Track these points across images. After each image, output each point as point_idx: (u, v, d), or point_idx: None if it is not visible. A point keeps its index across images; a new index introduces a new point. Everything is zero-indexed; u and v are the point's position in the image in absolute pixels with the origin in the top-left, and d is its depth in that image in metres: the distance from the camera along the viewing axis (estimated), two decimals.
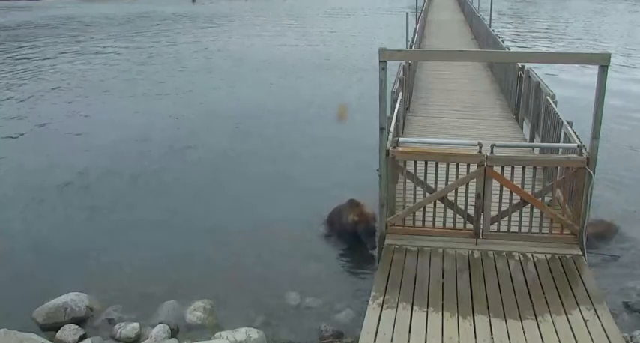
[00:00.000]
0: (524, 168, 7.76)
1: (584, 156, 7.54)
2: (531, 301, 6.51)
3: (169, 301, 7.73)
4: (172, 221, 10.42)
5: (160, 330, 7.06)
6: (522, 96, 12.90)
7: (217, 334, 6.92)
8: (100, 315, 7.60)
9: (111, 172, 13.02)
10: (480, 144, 7.69)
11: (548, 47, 31.69)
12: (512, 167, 7.68)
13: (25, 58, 28.75)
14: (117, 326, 7.25)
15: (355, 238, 9.00)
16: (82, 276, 8.51)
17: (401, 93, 11.43)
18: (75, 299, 7.65)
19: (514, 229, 7.86)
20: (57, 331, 7.17)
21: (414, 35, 21.73)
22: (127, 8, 54.46)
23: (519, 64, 13.19)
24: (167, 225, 10.26)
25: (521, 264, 7.34)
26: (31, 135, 16.15)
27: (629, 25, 43.36)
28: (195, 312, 7.52)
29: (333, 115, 16.86)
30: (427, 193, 7.95)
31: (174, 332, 7.17)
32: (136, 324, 7.23)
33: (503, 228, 7.88)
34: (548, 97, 10.37)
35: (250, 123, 16.59)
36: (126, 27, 42.20)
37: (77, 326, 7.24)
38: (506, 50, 15.86)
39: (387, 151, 7.80)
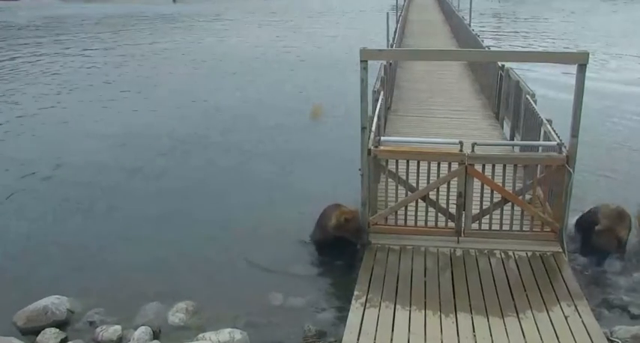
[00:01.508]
0: (504, 166, 7.83)
1: (564, 154, 7.62)
2: (513, 298, 6.57)
3: (151, 303, 7.66)
4: (153, 222, 10.34)
5: (142, 333, 7.00)
6: (502, 95, 12.99)
7: (200, 335, 6.88)
8: (81, 318, 7.51)
9: (92, 171, 12.91)
10: (461, 143, 7.74)
11: (528, 46, 31.92)
12: (493, 165, 7.74)
13: (2, 59, 28.44)
14: (98, 329, 7.17)
15: (339, 241, 8.84)
16: (63, 279, 8.41)
17: (382, 93, 11.47)
18: (56, 302, 7.55)
19: (495, 227, 7.93)
20: (37, 335, 7.07)
21: (395, 35, 21.79)
22: (107, 9, 54.06)
23: (499, 63, 13.29)
24: (148, 226, 10.18)
25: (503, 262, 7.40)
26: (12, 134, 16.05)
27: (610, 25, 43.80)
28: (177, 314, 7.47)
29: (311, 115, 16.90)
30: (409, 192, 7.99)
31: (156, 335, 7.10)
32: (118, 327, 7.16)
33: (485, 226, 7.94)
34: (527, 96, 10.46)
35: (234, 122, 16.53)
36: (106, 27, 41.84)
37: (58, 330, 7.15)
38: (486, 49, 15.96)
39: (369, 150, 7.83)
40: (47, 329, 7.14)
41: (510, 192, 7.83)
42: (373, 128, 8.73)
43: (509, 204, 7.81)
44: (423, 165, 7.83)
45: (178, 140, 15.13)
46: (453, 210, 7.90)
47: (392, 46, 18.42)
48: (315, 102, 17.89)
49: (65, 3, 59.27)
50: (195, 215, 10.58)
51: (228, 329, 6.91)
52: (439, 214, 7.96)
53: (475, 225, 7.92)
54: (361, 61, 7.44)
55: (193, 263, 8.87)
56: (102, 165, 13.34)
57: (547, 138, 8.53)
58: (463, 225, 7.87)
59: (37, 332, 7.14)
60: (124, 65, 26.87)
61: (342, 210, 8.47)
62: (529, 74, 17.05)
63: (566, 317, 6.18)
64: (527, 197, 8.14)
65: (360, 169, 7.99)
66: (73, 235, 9.96)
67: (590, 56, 7.22)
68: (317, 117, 16.68)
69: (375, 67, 12.62)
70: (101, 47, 32.37)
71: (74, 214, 10.83)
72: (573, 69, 7.40)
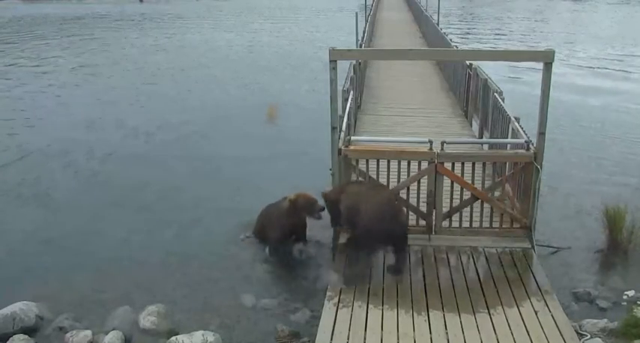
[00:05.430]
0: (474, 164, 7.90)
1: (532, 151, 7.71)
2: (484, 295, 6.63)
3: (122, 307, 7.57)
4: (122, 224, 10.21)
5: (113, 337, 6.91)
6: (471, 94, 13.13)
7: (173, 338, 6.82)
8: (50, 324, 7.38)
9: (59, 175, 12.74)
10: (431, 142, 7.78)
11: (495, 45, 32.32)
12: (463, 163, 7.79)
13: None
14: (68, 335, 7.06)
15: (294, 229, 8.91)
16: (31, 284, 8.25)
17: (352, 92, 11.50)
18: (24, 308, 7.40)
19: (466, 224, 7.99)
20: (5, 342, 6.96)
21: (364, 34, 21.88)
22: (70, 8, 53.26)
23: (467, 62, 13.41)
24: (117, 228, 10.05)
25: (474, 259, 7.47)
26: None
27: (572, 24, 44.58)
28: (149, 317, 7.38)
29: (281, 115, 16.86)
30: None
31: (127, 339, 7.03)
32: (88, 332, 7.06)
33: (455, 224, 8.00)
34: (495, 94, 10.57)
35: (203, 124, 16.44)
36: (71, 28, 41.28)
37: (27, 337, 7.01)
38: (455, 49, 16.10)
39: (340, 150, 7.84)
40: (15, 336, 7.00)
41: (480, 189, 7.90)
42: (343, 128, 8.75)
43: (479, 201, 7.89)
44: (394, 164, 7.87)
45: (143, 139, 15.14)
46: (423, 208, 7.95)
47: (361, 46, 18.48)
48: (271, 102, 17.88)
49: (25, 4, 58.26)
50: (163, 217, 10.47)
51: (201, 332, 6.86)
52: (410, 212, 8.00)
53: (446, 223, 7.98)
54: (330, 61, 7.44)
55: (164, 266, 8.79)
56: (63, 165, 13.25)
57: (515, 135, 8.63)
58: (434, 223, 7.93)
59: (4, 339, 6.99)
60: (87, 65, 26.63)
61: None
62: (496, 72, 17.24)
63: (536, 312, 6.26)
64: (497, 194, 8.23)
65: (330, 169, 8.00)
66: (38, 238, 9.77)
67: (555, 54, 7.32)
68: (272, 117, 16.67)
69: (345, 67, 12.66)
70: (61, 50, 32.00)
71: (39, 215, 10.66)
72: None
